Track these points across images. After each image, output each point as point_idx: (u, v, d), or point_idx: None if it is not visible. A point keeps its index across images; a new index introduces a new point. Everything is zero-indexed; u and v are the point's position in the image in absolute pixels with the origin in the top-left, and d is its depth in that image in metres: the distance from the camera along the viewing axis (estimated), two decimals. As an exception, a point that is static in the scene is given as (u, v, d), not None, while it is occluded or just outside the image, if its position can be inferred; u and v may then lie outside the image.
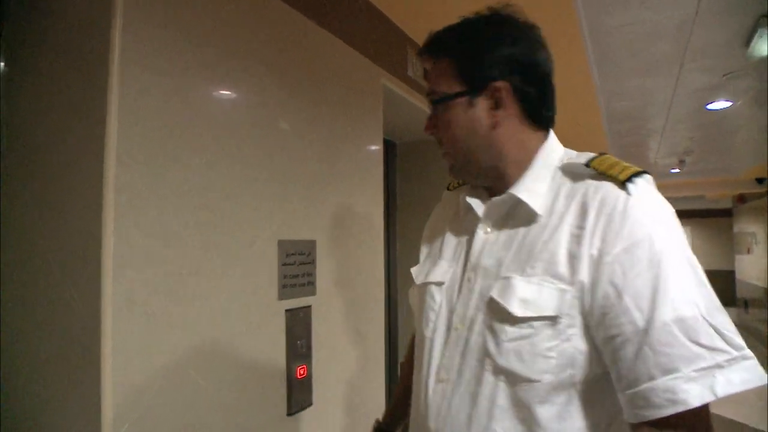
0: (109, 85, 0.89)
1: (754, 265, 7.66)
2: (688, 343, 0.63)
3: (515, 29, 0.82)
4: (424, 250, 1.00)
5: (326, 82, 1.47)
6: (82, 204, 0.91)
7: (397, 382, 1.15)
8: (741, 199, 8.17)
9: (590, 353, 0.71)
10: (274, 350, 1.24)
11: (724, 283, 10.34)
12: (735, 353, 0.63)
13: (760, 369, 0.64)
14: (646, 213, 0.70)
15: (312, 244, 1.37)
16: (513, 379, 0.73)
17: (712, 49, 2.45)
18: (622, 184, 0.72)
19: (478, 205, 0.86)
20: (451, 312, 0.83)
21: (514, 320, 0.73)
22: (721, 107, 3.48)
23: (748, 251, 8.14)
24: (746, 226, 8.29)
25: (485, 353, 0.75)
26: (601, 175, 0.75)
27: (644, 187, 0.72)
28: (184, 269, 1.00)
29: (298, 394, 1.29)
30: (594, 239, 0.70)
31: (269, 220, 1.22)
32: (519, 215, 0.81)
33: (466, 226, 0.90)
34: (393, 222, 2.60)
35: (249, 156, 1.17)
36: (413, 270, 0.98)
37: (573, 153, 0.85)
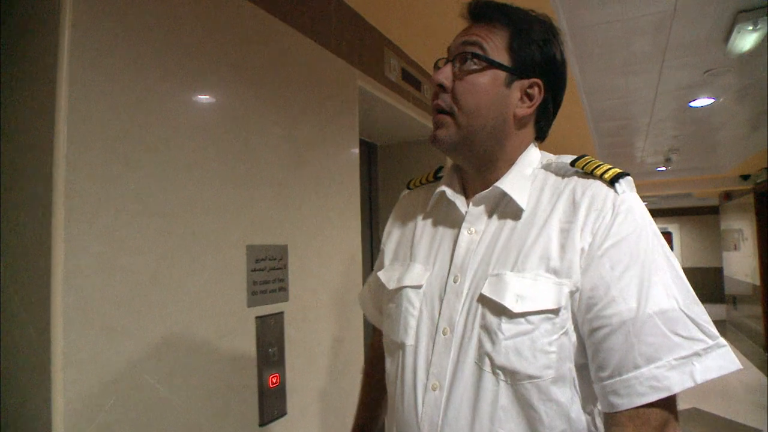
0: (58, 88, 0.85)
1: (742, 261, 7.71)
2: (669, 334, 0.66)
3: (559, 37, 0.83)
4: (387, 254, 0.96)
5: (296, 83, 1.44)
6: (30, 210, 0.87)
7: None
8: (727, 196, 8.22)
9: (578, 344, 0.72)
10: (244, 358, 1.20)
11: (712, 280, 10.42)
12: (711, 342, 0.67)
13: (733, 356, 0.67)
14: (633, 212, 0.73)
15: (283, 248, 1.33)
16: (514, 377, 0.71)
17: (692, 45, 2.45)
18: (610, 184, 0.74)
19: (462, 203, 0.84)
20: (434, 317, 0.80)
21: (512, 315, 0.71)
22: (704, 104, 3.48)
23: (735, 248, 8.19)
24: (733, 223, 8.35)
25: (483, 353, 0.73)
26: (588, 175, 0.77)
27: (628, 188, 0.75)
28: (142, 277, 0.96)
29: (270, 404, 1.25)
30: (584, 234, 0.72)
31: (236, 226, 1.18)
32: (504, 212, 0.80)
33: (444, 225, 0.87)
34: (375, 224, 2.56)
35: (212, 160, 1.13)
36: (380, 275, 0.93)
37: (550, 155, 0.86)
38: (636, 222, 0.72)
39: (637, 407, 0.66)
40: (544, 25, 0.82)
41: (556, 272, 0.71)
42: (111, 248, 0.91)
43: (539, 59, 0.80)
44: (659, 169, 6.23)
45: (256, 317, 1.23)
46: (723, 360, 0.66)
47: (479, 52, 0.78)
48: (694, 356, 0.66)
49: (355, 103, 1.75)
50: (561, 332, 0.70)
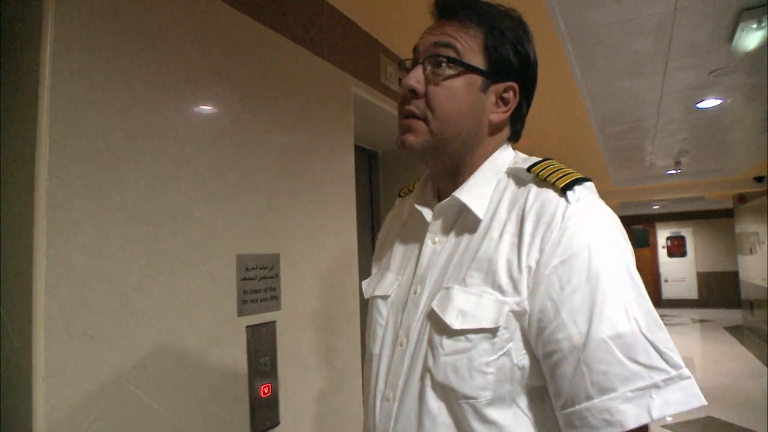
0: (40, 98, 0.85)
1: (758, 265, 7.55)
2: (626, 361, 0.60)
3: (532, 38, 0.80)
4: (374, 263, 0.97)
5: (287, 91, 1.43)
6: (13, 221, 0.87)
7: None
8: (741, 199, 8.08)
9: (531, 366, 0.67)
10: (235, 368, 1.18)
11: (728, 285, 10.24)
12: (673, 372, 0.60)
13: (697, 389, 0.61)
14: (585, 223, 0.66)
15: (275, 257, 1.32)
16: (450, 395, 0.68)
17: (695, 45, 2.41)
18: (562, 192, 0.68)
19: (427, 213, 0.82)
20: (397, 327, 0.79)
21: (451, 332, 0.68)
22: (712, 105, 3.43)
23: (751, 251, 8.04)
24: (748, 226, 8.20)
25: (425, 368, 0.71)
26: (542, 182, 0.71)
27: (584, 195, 0.69)
28: (127, 287, 0.95)
29: (262, 414, 1.23)
30: (532, 250, 0.66)
31: (225, 235, 1.18)
32: (464, 222, 0.77)
33: (413, 235, 0.86)
34: (377, 231, 2.55)
35: (201, 169, 1.13)
36: (363, 283, 0.93)
37: (522, 157, 0.82)
38: (589, 234, 0.65)
39: None
40: (516, 22, 0.78)
41: (501, 289, 0.67)
42: (95, 259, 0.91)
43: (514, 61, 0.77)
44: (669, 172, 6.15)
45: (247, 327, 1.21)
46: (684, 394, 0.60)
47: (454, 55, 0.74)
48: (652, 388, 0.59)
49: (349, 110, 1.75)
50: (500, 353, 0.66)
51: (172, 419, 1.02)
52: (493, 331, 0.66)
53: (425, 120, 0.75)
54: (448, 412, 0.69)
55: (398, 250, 0.88)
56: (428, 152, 0.77)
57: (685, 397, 0.60)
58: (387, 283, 0.85)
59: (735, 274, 9.58)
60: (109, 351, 0.92)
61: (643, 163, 5.62)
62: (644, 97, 3.23)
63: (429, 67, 0.75)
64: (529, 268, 0.66)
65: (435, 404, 0.69)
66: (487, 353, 0.66)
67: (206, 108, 1.16)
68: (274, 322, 1.29)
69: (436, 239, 0.79)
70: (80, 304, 0.88)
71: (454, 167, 0.80)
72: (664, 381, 0.60)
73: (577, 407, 0.61)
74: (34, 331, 0.82)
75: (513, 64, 0.76)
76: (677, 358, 0.61)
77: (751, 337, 7.79)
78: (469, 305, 0.68)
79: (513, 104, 0.78)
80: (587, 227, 0.66)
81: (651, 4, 1.97)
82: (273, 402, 1.26)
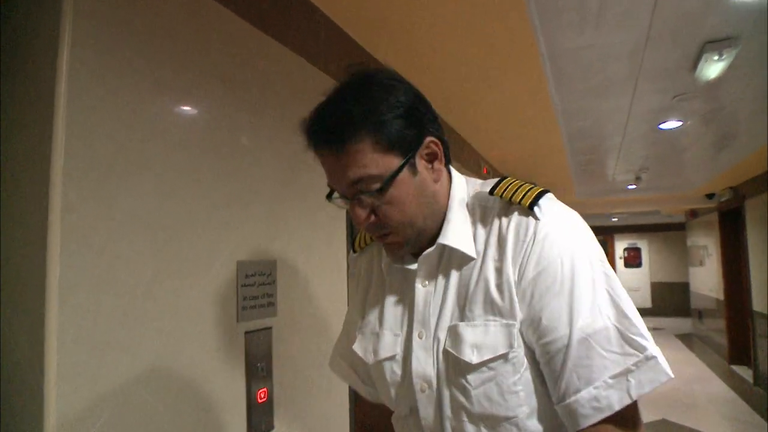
0: (56, 102, 0.86)
1: (707, 277, 7.98)
2: (603, 353, 0.68)
3: (404, 83, 0.78)
4: (354, 323, 0.97)
5: (287, 99, 1.46)
6: (27, 225, 0.87)
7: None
8: (693, 213, 8.53)
9: (540, 373, 0.74)
10: (233, 373, 1.20)
11: (679, 295, 10.75)
12: (641, 356, 0.69)
13: (663, 366, 0.69)
14: (554, 235, 0.73)
15: (272, 264, 1.34)
16: (491, 421, 0.74)
17: (663, 72, 2.57)
18: (529, 210, 0.74)
19: (410, 260, 0.84)
20: (411, 378, 0.81)
21: (472, 368, 0.73)
22: (673, 127, 3.64)
23: (701, 263, 8.48)
24: (698, 240, 8.66)
25: (458, 406, 0.76)
26: (509, 204, 0.77)
27: (548, 207, 0.75)
28: (136, 292, 0.97)
29: (258, 418, 1.25)
30: (513, 268, 0.73)
31: (227, 241, 1.20)
32: (450, 260, 0.80)
33: (398, 287, 0.87)
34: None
35: (206, 176, 1.15)
36: (355, 348, 0.92)
37: (475, 182, 0.85)
38: (558, 246, 0.72)
39: (592, 427, 0.69)
40: (383, 86, 0.74)
41: (501, 314, 0.73)
42: (106, 264, 0.92)
43: (415, 125, 0.75)
44: (630, 187, 6.43)
45: (246, 332, 1.23)
46: (654, 372, 0.68)
47: (377, 184, 0.73)
48: (627, 372, 0.68)
49: (342, 121, 1.78)
50: (522, 369, 0.73)
51: (175, 423, 1.04)
52: (506, 355, 0.72)
53: (394, 232, 0.78)
54: None
55: (388, 306, 0.88)
56: (412, 244, 0.81)
57: (656, 375, 0.68)
58: (388, 343, 0.85)
59: (686, 285, 10.08)
60: (118, 355, 0.93)
61: (606, 177, 5.86)
62: (612, 117, 3.39)
63: (363, 199, 0.75)
64: (514, 284, 0.73)
65: None
66: (510, 374, 0.73)
67: (210, 114, 1.18)
68: (270, 328, 1.32)
69: (426, 283, 0.82)
70: (92, 309, 0.89)
71: (429, 229, 0.81)
72: (635, 364, 0.68)
73: (569, 400, 0.69)
74: (47, 335, 0.83)
75: (416, 127, 0.76)
76: (643, 342, 0.69)
77: (700, 345, 8.22)
78: (479, 337, 0.73)
79: (438, 150, 0.78)
80: (556, 239, 0.73)
81: (626, 32, 2.10)
82: (268, 407, 1.29)
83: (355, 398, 1.84)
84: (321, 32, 1.69)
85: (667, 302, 11.59)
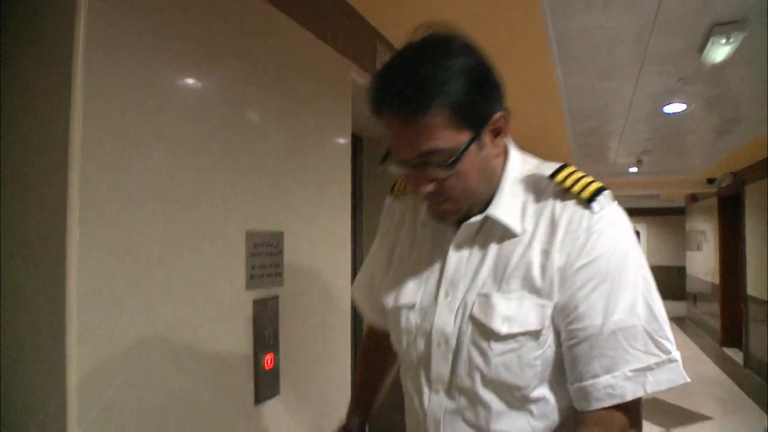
0: (74, 73, 0.87)
1: (703, 261, 8.06)
2: (628, 348, 0.73)
3: (480, 52, 0.76)
4: (381, 261, 1.00)
5: (295, 74, 1.47)
6: (45, 194, 0.89)
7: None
8: (693, 198, 8.56)
9: (558, 350, 0.79)
10: (242, 340, 1.25)
11: (675, 278, 10.83)
12: (663, 357, 0.74)
13: (682, 370, 0.75)
14: (607, 231, 0.76)
15: (280, 235, 1.38)
16: (503, 387, 0.78)
17: (669, 54, 2.56)
18: (587, 203, 0.77)
19: (448, 224, 0.86)
20: (429, 330, 0.84)
21: (499, 337, 0.77)
22: (677, 110, 3.64)
23: (698, 248, 8.55)
24: (697, 225, 8.70)
25: (474, 367, 0.79)
26: (566, 192, 0.79)
27: (605, 204, 0.78)
28: (150, 259, 1.00)
29: (265, 384, 1.30)
30: (561, 254, 0.76)
31: (237, 212, 1.23)
32: (491, 231, 0.82)
33: (435, 240, 0.89)
34: (360, 215, 2.62)
35: (216, 148, 1.17)
36: (381, 295, 0.95)
37: (531, 161, 0.86)
38: (609, 242, 0.75)
39: (600, 410, 0.73)
40: (462, 54, 0.73)
41: (538, 293, 0.77)
42: (121, 232, 0.95)
43: (489, 92, 0.75)
44: (631, 170, 6.45)
45: (254, 301, 1.27)
46: (672, 374, 0.74)
47: (446, 158, 0.73)
48: (647, 369, 0.73)
49: (348, 96, 1.80)
50: (545, 347, 0.77)
51: (187, 387, 1.08)
52: (537, 332, 0.76)
53: (453, 201, 0.79)
54: (499, 399, 0.79)
55: (415, 260, 0.90)
56: (463, 212, 0.82)
57: (673, 376, 0.74)
58: (410, 291, 0.88)
59: (682, 269, 10.16)
60: (133, 319, 0.97)
61: (608, 159, 5.87)
62: (616, 98, 3.39)
63: (428, 170, 0.75)
64: (558, 269, 0.76)
65: (487, 395, 0.79)
66: (534, 350, 0.77)
67: (222, 88, 1.20)
68: (277, 297, 1.36)
69: (462, 248, 0.84)
70: (109, 274, 0.92)
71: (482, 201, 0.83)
72: (657, 364, 0.73)
73: (585, 383, 0.74)
74: (67, 300, 0.86)
75: (489, 101, 0.75)
76: (668, 345, 0.75)
77: (693, 328, 8.34)
78: (512, 310, 0.77)
79: (505, 125, 0.79)
80: (608, 236, 0.76)
81: (633, 14, 2.10)
82: (275, 373, 1.34)
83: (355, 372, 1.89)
84: (328, 7, 1.69)
85: (663, 285, 11.40)
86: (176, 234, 1.06)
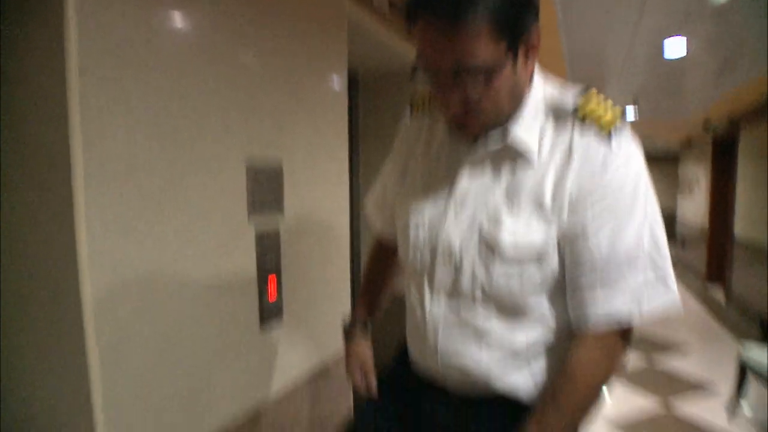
0: (68, 3, 0.86)
1: (694, 205, 8.17)
2: (630, 275, 0.77)
3: None
4: (393, 175, 1.02)
5: (291, 9, 1.44)
6: (51, 126, 0.89)
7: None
8: (688, 143, 8.55)
9: (561, 274, 0.82)
10: (246, 271, 1.30)
11: (665, 223, 10.95)
12: (662, 287, 0.78)
13: (678, 300, 0.80)
14: (622, 167, 0.77)
15: (279, 168, 1.40)
16: (502, 303, 0.83)
17: (672, -11, 2.50)
18: (605, 136, 0.78)
19: (464, 143, 0.87)
20: (435, 245, 0.87)
21: (505, 257, 0.80)
22: (677, 49, 3.57)
23: (690, 192, 8.65)
24: (690, 169, 8.76)
25: (477, 283, 0.83)
26: (585, 122, 0.79)
27: (623, 138, 0.78)
28: (153, 187, 1.02)
29: (269, 310, 1.36)
30: (574, 183, 0.77)
31: (238, 144, 1.24)
32: (506, 154, 0.83)
33: (447, 160, 0.90)
34: (356, 151, 2.62)
35: (215, 81, 1.17)
36: (393, 207, 0.99)
37: (553, 82, 0.85)
38: (625, 176, 0.77)
39: (598, 333, 0.78)
40: None
41: (547, 216, 0.79)
42: (124, 159, 0.96)
43: (527, 11, 0.73)
44: (627, 110, 6.39)
45: (256, 230, 1.31)
46: (667, 300, 0.78)
47: (483, 74, 0.71)
48: (645, 292, 0.77)
49: (344, 33, 1.76)
50: (549, 270, 0.81)
51: (194, 315, 1.13)
52: (544, 254, 0.79)
53: (479, 115, 0.78)
54: (498, 312, 0.84)
55: (429, 175, 0.92)
56: (485, 129, 0.82)
57: (668, 302, 0.79)
58: (421, 208, 0.90)
59: (673, 214, 10.31)
60: (140, 245, 1.00)
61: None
62: (617, 36, 3.32)
63: (460, 83, 0.74)
64: (570, 196, 0.77)
65: (487, 307, 0.84)
66: (536, 271, 0.80)
67: (217, 22, 1.18)
68: (277, 228, 1.40)
69: (476, 167, 0.85)
70: (114, 199, 0.95)
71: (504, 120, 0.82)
72: (655, 291, 0.78)
73: (585, 304, 0.79)
74: (76, 222, 0.89)
75: (529, 15, 0.73)
76: (668, 275, 0.78)
77: (680, 269, 8.57)
78: (520, 230, 0.79)
79: (538, 42, 0.76)
80: (623, 171, 0.77)
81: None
82: (278, 301, 1.40)
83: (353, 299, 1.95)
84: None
85: (653, 229, 11.82)
86: (177, 164, 1.08)
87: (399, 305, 1.06)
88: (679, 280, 0.83)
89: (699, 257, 7.43)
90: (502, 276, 0.81)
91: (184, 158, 1.09)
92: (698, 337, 4.48)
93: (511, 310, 0.84)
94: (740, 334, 4.44)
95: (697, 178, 8.07)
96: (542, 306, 0.84)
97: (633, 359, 3.84)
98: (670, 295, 0.79)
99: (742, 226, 5.67)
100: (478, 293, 0.84)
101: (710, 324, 4.92)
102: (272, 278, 1.37)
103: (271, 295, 1.36)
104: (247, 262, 1.30)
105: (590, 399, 0.80)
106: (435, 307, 0.89)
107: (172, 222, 1.07)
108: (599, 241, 0.77)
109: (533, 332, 0.85)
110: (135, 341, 0.99)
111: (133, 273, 0.99)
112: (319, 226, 1.62)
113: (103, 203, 0.92)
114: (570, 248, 0.79)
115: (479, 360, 0.86)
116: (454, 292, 0.87)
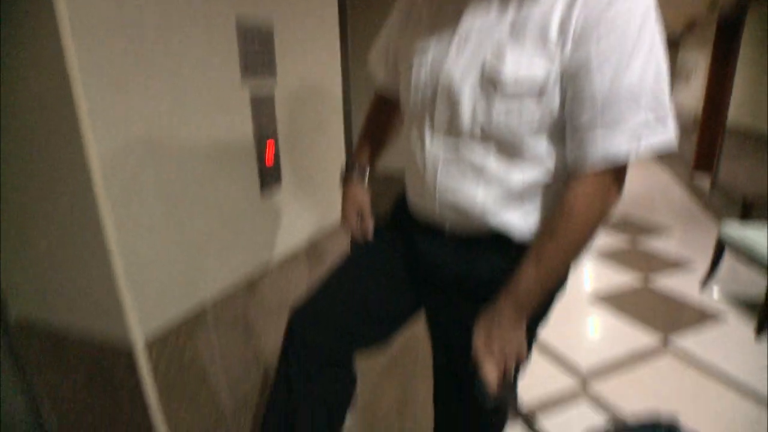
0: None
1: (690, 93, 8.04)
2: (630, 107, 0.76)
3: None
4: (396, 23, 1.01)
5: None
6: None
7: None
8: (690, 26, 8.21)
9: (561, 113, 0.82)
10: (244, 135, 1.31)
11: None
12: (660, 126, 0.78)
13: (674, 137, 0.79)
14: (630, 2, 0.75)
15: (270, 29, 1.35)
16: (502, 140, 0.84)
17: None
18: None
19: None
20: (436, 80, 0.88)
21: (504, 92, 0.80)
22: None
23: (687, 79, 8.47)
24: (690, 55, 8.49)
25: (476, 120, 0.84)
26: None
27: None
28: (144, 41, 0.99)
29: (269, 174, 1.39)
30: (579, 19, 0.76)
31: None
32: None
33: (450, 4, 0.89)
34: (345, 13, 2.51)
35: None
36: (393, 49, 0.98)
37: None
38: (632, 13, 0.76)
39: (594, 173, 0.80)
40: None
41: (551, 49, 0.78)
42: (114, 15, 0.92)
43: None
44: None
45: (251, 94, 1.30)
46: (665, 137, 0.78)
47: None
48: (645, 128, 0.77)
49: None
50: (546, 107, 0.81)
51: (196, 175, 1.16)
52: (543, 89, 0.80)
53: None
54: (497, 149, 0.86)
55: (433, 15, 0.92)
56: None
57: (665, 140, 0.79)
58: (424, 47, 0.91)
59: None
60: (141, 102, 1.00)
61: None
62: None
63: None
64: (575, 32, 0.77)
65: (485, 145, 0.86)
66: (536, 108, 0.81)
67: None
68: (272, 90, 1.38)
69: (482, 3, 0.84)
70: (106, 54, 0.92)
71: None
72: (654, 126, 0.77)
73: (584, 138, 0.80)
74: (72, 82, 0.87)
75: None
76: (667, 112, 0.78)
77: (669, 158, 8.66)
78: (524, 61, 0.79)
79: None
80: (630, 4, 0.75)
81: None
82: (276, 164, 1.41)
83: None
84: None
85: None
86: (167, 23, 1.04)
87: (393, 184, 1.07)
88: (668, 168, 0.82)
89: (689, 146, 7.47)
90: (502, 113, 0.83)
91: (172, 12, 1.04)
92: (682, 221, 4.65)
93: (509, 149, 0.86)
94: (723, 217, 4.62)
95: (696, 64, 7.86)
96: (540, 147, 0.86)
97: (618, 241, 4.01)
98: (667, 134, 0.79)
99: (735, 114, 5.64)
100: (477, 131, 0.86)
101: (694, 209, 5.08)
102: (271, 143, 1.37)
103: (269, 160, 1.38)
104: (245, 125, 1.30)
105: (586, 235, 0.84)
106: (435, 147, 0.91)
107: (165, 79, 1.05)
108: (602, 75, 0.77)
109: (530, 172, 0.88)
110: (143, 196, 1.02)
111: (133, 127, 0.99)
112: (312, 92, 1.60)
113: (95, 60, 0.90)
114: (572, 84, 0.79)
115: (475, 196, 0.90)
116: (454, 130, 0.88)
